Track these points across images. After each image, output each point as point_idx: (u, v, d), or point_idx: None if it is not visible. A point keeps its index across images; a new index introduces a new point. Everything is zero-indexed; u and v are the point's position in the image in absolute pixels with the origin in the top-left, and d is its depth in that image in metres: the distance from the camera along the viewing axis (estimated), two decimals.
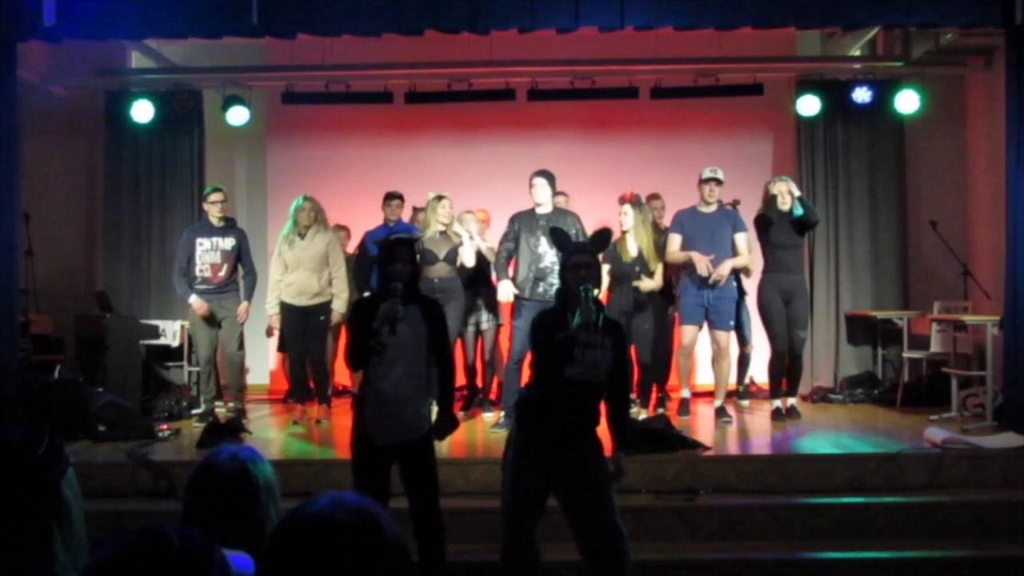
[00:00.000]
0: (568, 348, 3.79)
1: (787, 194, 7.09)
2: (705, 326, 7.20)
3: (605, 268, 7.14)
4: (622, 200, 7.32)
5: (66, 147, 9.12)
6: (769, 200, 7.24)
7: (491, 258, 7.28)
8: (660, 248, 7.21)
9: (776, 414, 7.21)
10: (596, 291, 3.96)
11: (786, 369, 7.22)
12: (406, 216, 8.01)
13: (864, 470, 5.58)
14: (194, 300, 7.17)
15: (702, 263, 6.90)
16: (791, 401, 7.27)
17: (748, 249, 7.17)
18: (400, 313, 4.08)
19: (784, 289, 7.11)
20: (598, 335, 3.83)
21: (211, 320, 7.22)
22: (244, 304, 7.29)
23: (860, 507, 5.32)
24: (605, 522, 3.88)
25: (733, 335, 7.37)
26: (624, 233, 7.16)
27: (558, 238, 4.27)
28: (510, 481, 3.97)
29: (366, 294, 7.58)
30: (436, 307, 4.40)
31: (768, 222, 7.18)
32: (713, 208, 7.23)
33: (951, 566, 4.90)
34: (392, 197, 8.00)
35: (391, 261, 4.21)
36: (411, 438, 4.21)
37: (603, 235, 4.24)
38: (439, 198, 7.14)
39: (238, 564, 1.68)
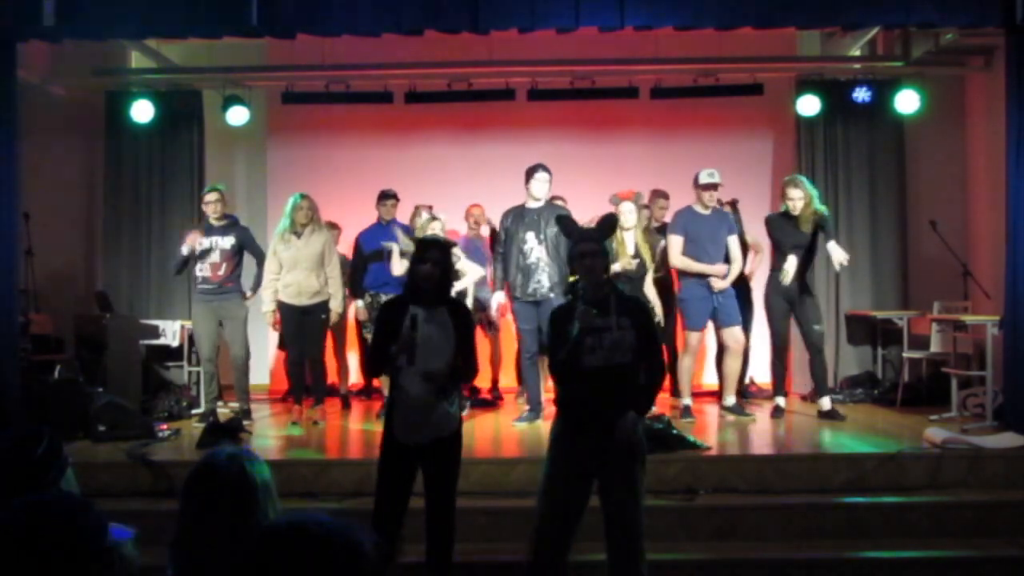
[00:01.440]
0: (579, 341, 3.79)
1: (799, 201, 7.05)
2: (710, 327, 7.20)
3: (614, 267, 7.16)
4: (617, 199, 7.11)
5: (66, 147, 9.11)
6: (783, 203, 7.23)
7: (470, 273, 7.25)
8: (655, 248, 7.19)
9: (776, 412, 7.20)
10: (606, 276, 3.99)
11: (812, 369, 7.19)
12: (404, 217, 7.99)
13: (864, 470, 5.58)
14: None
15: (718, 277, 7.08)
16: (825, 403, 7.09)
17: (739, 252, 7.31)
18: (417, 340, 4.10)
19: (785, 288, 7.09)
20: (612, 317, 3.81)
21: (214, 320, 7.23)
22: (251, 294, 7.37)
23: (860, 507, 5.32)
24: (625, 515, 3.84)
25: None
26: (624, 231, 7.09)
27: (565, 226, 4.26)
28: (545, 471, 3.96)
29: (368, 297, 7.58)
30: (463, 310, 4.43)
31: (775, 225, 7.18)
32: (711, 209, 7.25)
33: (951, 566, 4.90)
34: (387, 196, 7.96)
35: (420, 261, 4.23)
36: (441, 435, 4.22)
37: (610, 221, 4.25)
38: (431, 219, 6.99)
39: (117, 534, 1.67)
